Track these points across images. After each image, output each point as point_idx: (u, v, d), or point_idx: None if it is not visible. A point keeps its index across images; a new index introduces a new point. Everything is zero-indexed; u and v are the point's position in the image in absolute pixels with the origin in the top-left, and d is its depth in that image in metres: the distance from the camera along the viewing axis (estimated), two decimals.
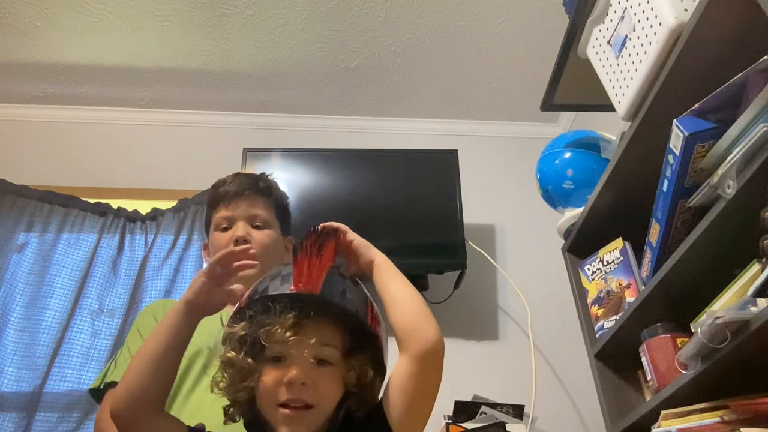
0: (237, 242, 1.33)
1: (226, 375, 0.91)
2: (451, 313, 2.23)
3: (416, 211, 2.29)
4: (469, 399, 1.98)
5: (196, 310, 0.97)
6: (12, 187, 2.30)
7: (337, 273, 0.95)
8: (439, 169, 2.38)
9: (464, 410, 1.93)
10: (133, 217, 2.33)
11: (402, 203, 2.31)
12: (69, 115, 2.57)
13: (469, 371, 2.13)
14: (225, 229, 1.39)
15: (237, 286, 1.01)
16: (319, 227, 0.96)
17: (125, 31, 2.27)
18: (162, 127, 2.59)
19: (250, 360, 0.89)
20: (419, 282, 2.25)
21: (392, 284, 0.99)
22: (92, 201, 2.33)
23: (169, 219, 2.32)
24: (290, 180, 2.29)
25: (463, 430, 1.86)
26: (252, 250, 1.02)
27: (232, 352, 0.90)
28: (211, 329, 1.16)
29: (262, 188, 1.45)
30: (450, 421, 1.90)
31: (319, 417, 0.88)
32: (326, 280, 0.90)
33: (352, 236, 1.05)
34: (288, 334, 0.87)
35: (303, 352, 0.88)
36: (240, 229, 1.37)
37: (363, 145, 2.51)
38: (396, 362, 0.92)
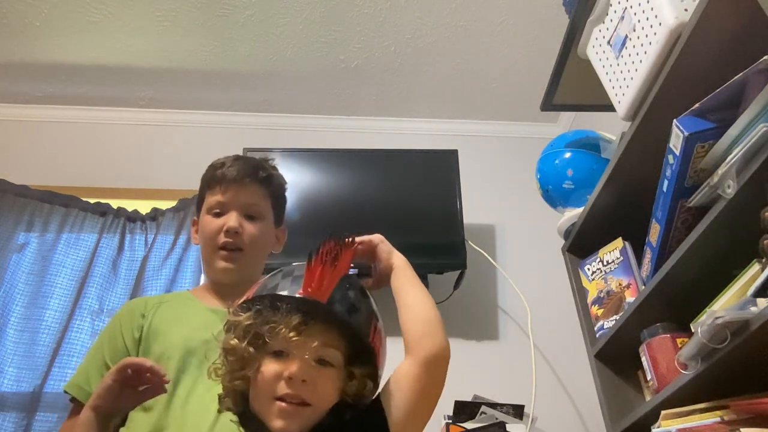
0: (228, 232, 1.32)
1: (226, 362, 0.92)
2: (451, 313, 2.22)
3: (416, 211, 2.29)
4: (469, 399, 1.97)
5: (106, 414, 1.03)
6: (12, 187, 2.30)
7: (348, 283, 0.94)
8: (439, 169, 2.38)
9: (464, 410, 1.93)
10: (133, 217, 2.33)
11: (402, 203, 2.30)
12: (69, 115, 2.58)
13: (469, 371, 2.11)
14: (217, 214, 1.35)
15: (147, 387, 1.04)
16: (341, 237, 0.96)
17: (125, 31, 2.27)
18: (162, 127, 2.60)
19: (251, 349, 0.89)
20: None
21: (408, 288, 1.01)
22: (92, 201, 2.33)
23: (169, 219, 2.32)
24: (290, 180, 2.25)
25: (463, 430, 1.86)
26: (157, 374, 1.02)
27: (235, 340, 0.90)
28: (206, 322, 1.17)
29: (262, 178, 1.40)
30: (450, 421, 1.90)
31: (313, 416, 0.89)
32: (336, 290, 0.90)
33: (378, 240, 1.08)
34: (292, 334, 0.87)
35: (305, 353, 0.88)
36: (232, 219, 1.33)
37: (363, 145, 2.51)
38: (400, 363, 0.93)
